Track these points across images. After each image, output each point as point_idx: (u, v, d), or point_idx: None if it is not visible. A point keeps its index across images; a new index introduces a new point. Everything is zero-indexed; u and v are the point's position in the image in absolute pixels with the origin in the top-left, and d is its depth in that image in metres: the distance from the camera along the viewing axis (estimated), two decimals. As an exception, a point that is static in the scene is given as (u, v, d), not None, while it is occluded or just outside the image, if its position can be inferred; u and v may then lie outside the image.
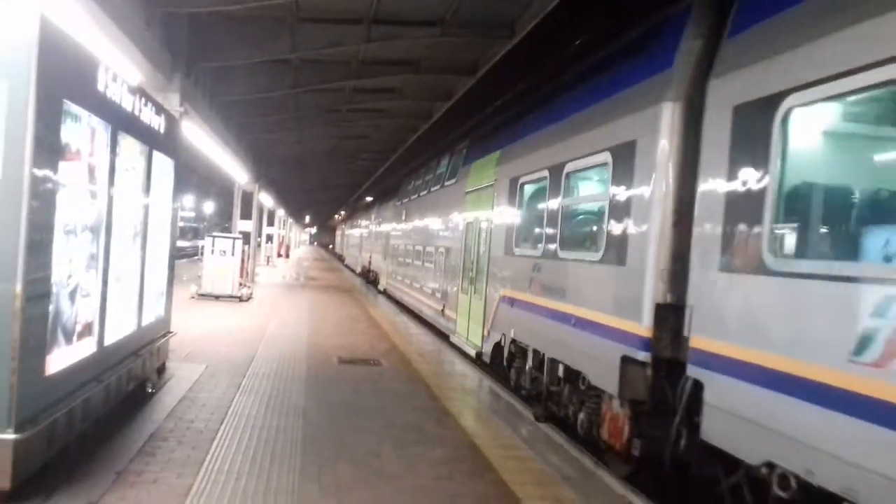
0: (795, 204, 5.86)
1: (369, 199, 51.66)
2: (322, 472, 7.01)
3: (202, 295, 23.04)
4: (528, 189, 11.81)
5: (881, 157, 5.74)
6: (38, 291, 5.82)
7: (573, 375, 9.38)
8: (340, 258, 74.70)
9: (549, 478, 7.45)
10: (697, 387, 6.56)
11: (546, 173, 10.76)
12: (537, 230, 11.23)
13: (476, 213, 15.44)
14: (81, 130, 6.51)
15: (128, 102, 7.81)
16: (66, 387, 6.54)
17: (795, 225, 5.86)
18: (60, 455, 6.41)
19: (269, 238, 53.14)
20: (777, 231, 5.77)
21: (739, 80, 6.31)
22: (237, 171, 26.03)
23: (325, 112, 24.82)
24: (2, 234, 5.50)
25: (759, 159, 5.88)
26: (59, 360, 6.33)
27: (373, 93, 22.46)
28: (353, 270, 52.69)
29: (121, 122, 7.54)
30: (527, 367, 11.22)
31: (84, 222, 6.76)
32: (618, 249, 8.29)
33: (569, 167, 9.96)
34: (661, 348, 7.30)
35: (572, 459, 8.22)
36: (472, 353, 14.66)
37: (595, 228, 9.40)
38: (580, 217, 10.26)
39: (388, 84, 21.34)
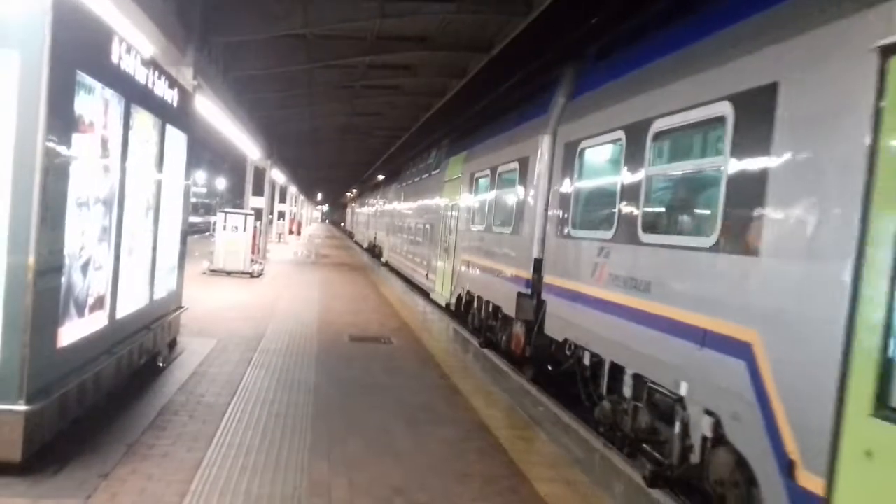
0: (579, 198, 10.33)
1: (377, 179, 56.52)
2: (332, 448, 7.01)
3: (214, 271, 23.10)
4: (480, 182, 16.30)
5: (613, 176, 9.00)
6: (51, 264, 5.82)
7: (497, 310, 13.76)
8: (350, 235, 79.42)
9: (560, 459, 7.44)
10: (544, 304, 11.14)
11: (488, 171, 15.42)
12: (482, 211, 16.01)
13: (450, 198, 19.87)
14: (95, 102, 6.47)
15: (141, 75, 7.76)
16: (78, 359, 6.56)
17: (580, 211, 10.31)
18: (72, 427, 6.44)
19: (281, 215, 53.18)
20: (573, 214, 10.33)
21: (567, 129, 10.90)
22: (250, 148, 25.98)
23: (338, 88, 24.73)
24: (15, 206, 5.48)
25: (570, 174, 10.49)
26: (71, 332, 6.34)
27: (387, 69, 22.33)
28: (360, 246, 56.84)
29: (134, 95, 7.50)
30: (474, 310, 15.96)
31: (97, 195, 6.74)
32: (518, 225, 12.68)
33: (499, 169, 14.45)
34: (534, 286, 11.56)
35: (582, 441, 8.20)
36: (443, 304, 19.34)
37: (509, 211, 13.48)
38: (503, 203, 14.23)
39: (403, 61, 21.22)
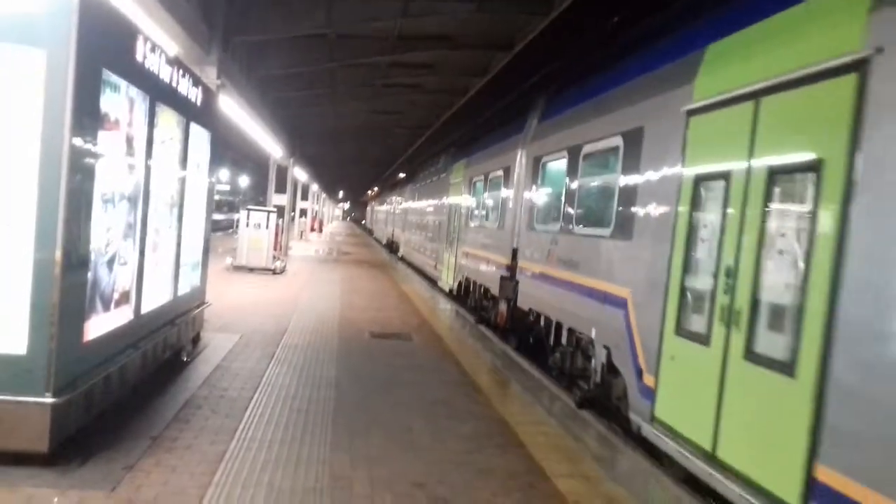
0: (541, 200, 13.26)
1: (395, 179, 60.66)
2: (353, 443, 7.08)
3: (237, 267, 23.30)
4: (477, 185, 19.38)
5: (560, 184, 11.79)
6: (77, 259, 5.92)
7: (487, 292, 16.89)
8: (370, 232, 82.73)
9: (579, 455, 7.45)
10: (517, 283, 13.97)
11: (482, 177, 18.51)
12: (478, 210, 19.12)
13: (454, 199, 22.99)
14: (120, 100, 6.57)
15: (166, 73, 7.86)
16: (104, 353, 6.66)
17: (541, 209, 13.20)
18: (97, 420, 6.54)
19: (303, 212, 53.43)
20: (537, 212, 13.30)
21: (535, 146, 13.73)
22: (272, 146, 26.11)
23: (360, 87, 24.79)
24: (42, 202, 5.58)
25: (536, 182, 13.39)
26: (97, 326, 6.45)
27: (408, 68, 22.36)
28: (380, 243, 60.12)
29: (159, 93, 7.60)
30: (471, 293, 18.93)
31: (122, 192, 6.84)
32: (502, 221, 15.89)
33: (490, 175, 17.63)
34: (512, 270, 14.38)
35: (602, 438, 8.20)
36: (447, 290, 22.70)
37: (496, 209, 16.81)
38: (492, 203, 17.40)
39: (424, 59, 21.23)
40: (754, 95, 6.45)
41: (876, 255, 4.91)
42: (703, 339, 6.82)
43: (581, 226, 10.78)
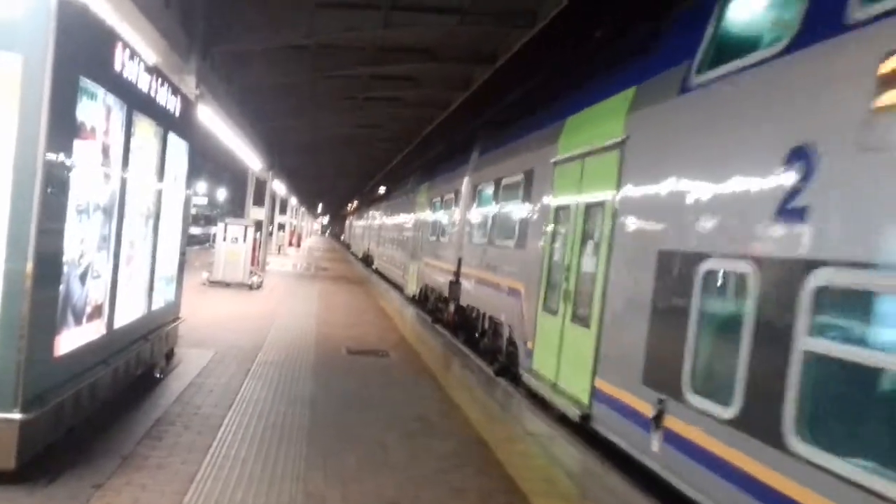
0: (476, 219, 16.63)
1: (372, 196, 64.25)
2: (327, 461, 6.95)
3: (213, 282, 23.03)
4: (435, 204, 23.04)
5: (488, 207, 15.24)
6: (49, 271, 5.77)
7: (440, 296, 19.93)
8: (348, 247, 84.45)
9: (553, 473, 7.36)
10: (461, 286, 16.93)
11: (439, 198, 22.17)
12: (434, 226, 22.85)
13: (418, 216, 26.75)
14: (97, 108, 6.43)
15: (144, 82, 7.73)
16: (75, 368, 6.48)
17: (476, 225, 16.53)
18: (67, 437, 6.36)
19: (281, 227, 53.14)
20: (474, 227, 16.73)
21: (475, 175, 17.20)
22: (251, 158, 25.94)
23: (340, 99, 24.78)
24: (14, 212, 5.43)
25: (474, 203, 16.86)
26: (68, 341, 6.27)
27: (390, 80, 22.38)
28: (356, 256, 63.16)
29: (136, 102, 7.46)
30: (429, 298, 22.32)
31: (97, 202, 6.69)
32: (451, 235, 19.31)
33: (445, 197, 21.23)
34: (457, 276, 17.31)
35: (576, 457, 8.13)
36: (411, 295, 26.11)
37: (448, 226, 20.15)
38: (445, 221, 20.80)
39: (406, 72, 21.26)
40: (582, 156, 10.02)
41: (622, 254, 8.43)
42: (554, 312, 10.41)
43: (499, 239, 14.31)
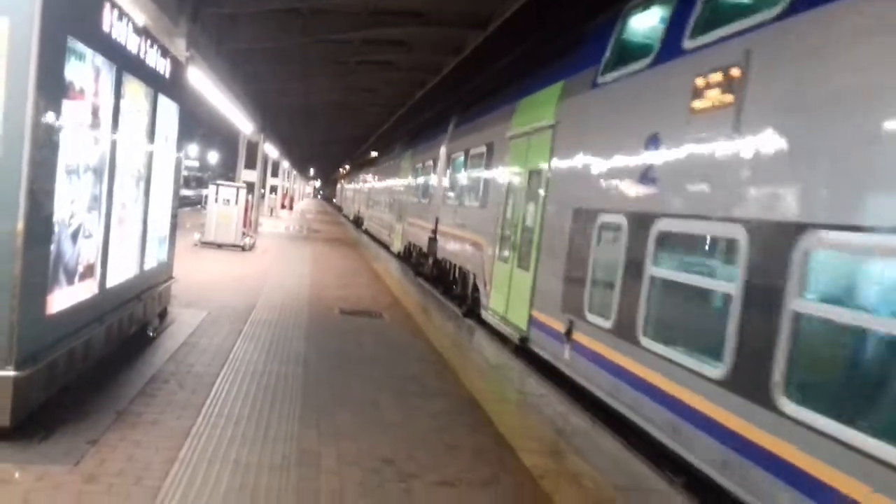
0: (450, 182, 19.41)
1: (362, 161, 66.65)
2: (321, 419, 7.06)
3: (205, 243, 23.06)
4: (417, 169, 25.76)
5: (460, 173, 18.10)
6: (40, 231, 5.80)
7: (421, 250, 22.57)
8: (339, 209, 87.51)
9: (544, 432, 7.51)
10: (437, 241, 19.77)
11: (420, 164, 24.93)
12: (415, 189, 25.64)
13: (403, 180, 29.37)
14: (85, 70, 6.42)
15: (133, 43, 7.69)
16: (68, 327, 6.55)
17: (450, 188, 19.32)
18: (61, 394, 6.45)
19: (273, 189, 53.00)
20: (448, 190, 19.58)
21: (450, 145, 20.09)
22: (242, 121, 25.83)
23: (332, 63, 24.54)
24: (4, 172, 5.44)
25: (449, 170, 19.69)
26: (61, 300, 6.33)
27: (381, 45, 22.16)
28: (347, 217, 66.12)
29: (126, 63, 7.44)
30: (412, 254, 24.81)
31: (87, 163, 6.70)
32: (431, 197, 21.81)
33: (426, 163, 23.66)
34: (435, 233, 19.85)
35: (565, 416, 8.27)
36: (396, 252, 28.65)
37: (427, 189, 22.78)
38: (425, 184, 23.61)
39: (398, 36, 21.05)
40: (528, 133, 12.30)
41: (551, 212, 10.78)
42: (505, 260, 12.95)
43: (467, 201, 16.96)
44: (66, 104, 6.02)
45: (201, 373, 8.27)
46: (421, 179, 24.51)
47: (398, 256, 27.81)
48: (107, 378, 7.49)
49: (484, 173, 15.23)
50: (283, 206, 59.99)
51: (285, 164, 60.27)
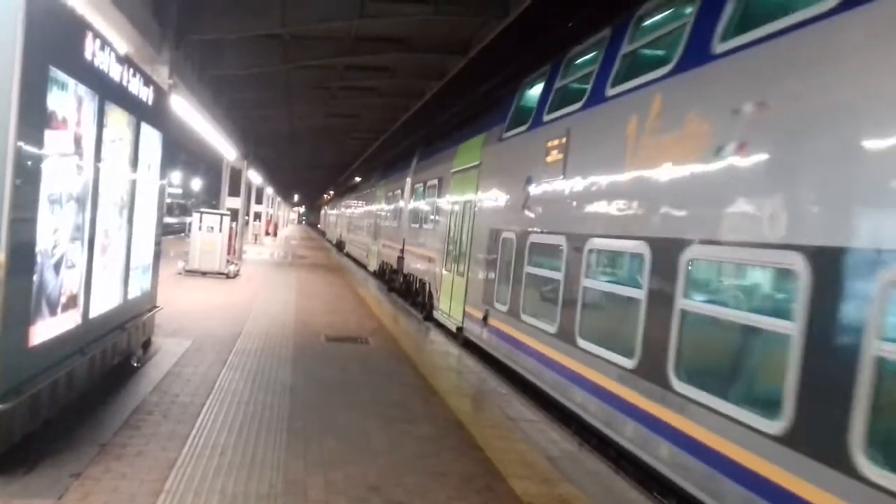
0: (413, 208, 23.32)
1: (344, 188, 68.67)
2: (308, 448, 7.00)
3: (189, 271, 22.92)
4: (389, 197, 29.52)
5: (420, 201, 22.18)
6: (23, 261, 5.74)
7: (392, 268, 25.91)
8: (323, 234, 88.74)
9: (533, 457, 7.47)
10: (404, 260, 23.57)
11: (391, 192, 28.87)
12: (387, 215, 29.15)
13: (378, 207, 33.06)
14: (68, 99, 6.39)
15: (115, 72, 7.69)
16: (50, 358, 6.47)
17: (413, 214, 23.23)
18: (44, 427, 6.36)
19: (258, 216, 52.86)
20: (411, 215, 23.55)
21: (413, 177, 23.93)
22: (226, 148, 25.77)
23: (315, 89, 24.63)
24: (-15, 202, 5.40)
25: (412, 198, 23.72)
26: (44, 331, 6.26)
27: (364, 70, 22.28)
28: (331, 242, 68.84)
29: (108, 92, 7.42)
30: (385, 272, 27.87)
31: (70, 192, 6.66)
32: (399, 221, 25.68)
33: (395, 191, 27.55)
34: (402, 252, 23.70)
35: (553, 442, 8.24)
36: (372, 270, 32.23)
37: (396, 214, 26.56)
38: (394, 211, 27.33)
39: (380, 62, 21.18)
40: (464, 171, 15.99)
41: (476, 231, 14.25)
42: (450, 270, 16.37)
43: (425, 224, 20.43)
44: (49, 134, 5.99)
45: (186, 402, 8.19)
46: (392, 206, 28.45)
47: (374, 274, 31.49)
48: (90, 409, 7.41)
49: (437, 201, 19.16)
50: (267, 233, 59.80)
51: (269, 191, 60.18)
